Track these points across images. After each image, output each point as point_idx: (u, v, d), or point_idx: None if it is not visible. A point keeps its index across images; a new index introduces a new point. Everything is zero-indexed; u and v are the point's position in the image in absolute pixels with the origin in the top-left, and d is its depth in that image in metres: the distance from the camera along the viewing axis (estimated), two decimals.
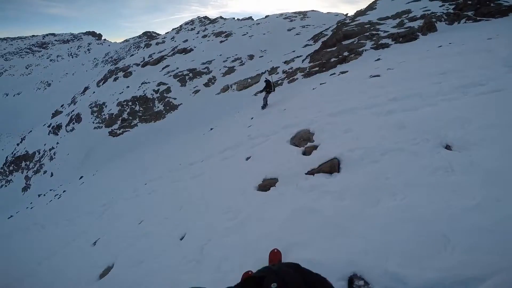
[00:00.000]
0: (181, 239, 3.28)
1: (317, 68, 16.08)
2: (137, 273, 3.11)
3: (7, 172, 29.21)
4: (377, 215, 2.16)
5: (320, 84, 9.25)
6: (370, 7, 21.53)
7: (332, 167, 3.11)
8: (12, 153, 31.56)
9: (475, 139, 2.63)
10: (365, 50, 14.29)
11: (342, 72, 10.52)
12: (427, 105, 3.77)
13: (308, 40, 26.09)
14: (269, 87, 9.95)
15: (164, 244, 3.35)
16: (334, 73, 11.68)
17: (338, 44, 17.24)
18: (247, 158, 4.72)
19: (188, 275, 2.58)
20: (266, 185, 3.47)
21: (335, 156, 3.23)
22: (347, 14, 34.29)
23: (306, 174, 3.25)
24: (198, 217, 3.59)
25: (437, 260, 1.63)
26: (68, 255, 5.03)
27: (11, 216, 14.80)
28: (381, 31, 16.00)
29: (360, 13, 21.99)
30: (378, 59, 10.46)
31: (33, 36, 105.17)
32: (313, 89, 8.80)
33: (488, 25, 11.96)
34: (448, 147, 2.74)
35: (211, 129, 11.43)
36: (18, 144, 33.77)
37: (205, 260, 2.66)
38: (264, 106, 9.95)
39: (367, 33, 16.27)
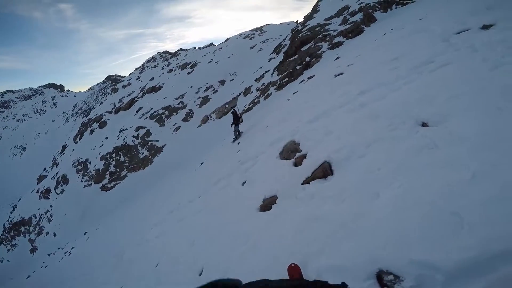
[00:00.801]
0: (200, 275, 3.29)
1: (286, 79, 16.69)
2: None
3: (9, 238, 28.77)
4: (381, 207, 2.15)
5: (293, 93, 9.51)
6: (315, 10, 22.47)
7: (324, 171, 3.17)
8: (8, 220, 30.88)
9: (446, 111, 2.72)
10: (323, 52, 15.05)
11: (310, 78, 10.84)
12: (392, 90, 3.99)
13: (271, 53, 27.06)
14: (237, 119, 10.20)
15: (185, 283, 3.35)
16: (303, 80, 12.01)
17: (298, 51, 17.88)
18: (243, 183, 4.78)
19: None
20: (267, 204, 3.53)
21: (324, 159, 3.28)
22: (297, 21, 35.95)
23: (302, 184, 3.32)
24: (211, 248, 3.61)
25: (459, 240, 1.57)
26: None
27: (29, 276, 15.07)
28: (331, 30, 16.76)
29: (307, 17, 22.69)
30: (337, 58, 10.90)
31: None
32: (288, 100, 9.05)
33: (414, 6, 12.91)
34: (424, 125, 2.82)
35: (202, 163, 11.42)
36: (11, 212, 32.97)
37: None
38: (236, 137, 10.08)
39: (320, 35, 17.08)
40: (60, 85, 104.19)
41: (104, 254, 8.30)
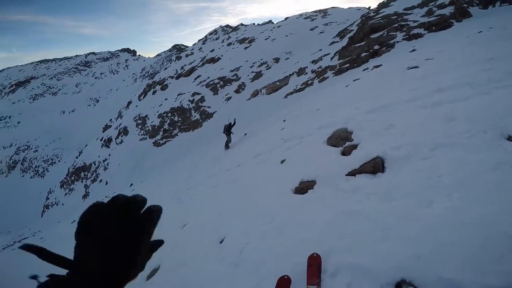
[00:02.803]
0: (220, 242, 3.34)
1: (348, 65, 15.51)
2: (180, 274, 3.22)
3: (69, 182, 33.48)
4: (431, 217, 1.96)
5: (354, 80, 8.87)
6: None
7: (375, 166, 2.90)
8: (72, 165, 35.92)
9: None
10: (397, 42, 13.56)
11: (376, 66, 10.01)
12: (479, 93, 3.42)
13: (334, 37, 25.34)
14: (228, 130, 10.91)
15: (206, 247, 3.44)
16: (367, 68, 11.15)
17: (366, 38, 16.56)
18: (282, 161, 4.65)
19: (227, 278, 2.60)
20: (303, 187, 3.36)
21: (378, 154, 3.02)
22: (370, 7, 32.54)
23: (346, 175, 3.08)
24: (236, 221, 3.62)
25: (500, 264, 1.44)
26: None
27: (74, 220, 16.54)
28: (410, 21, 15.12)
29: (383, 5, 21.17)
30: (413, 50, 9.86)
31: (76, 56, 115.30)
32: (347, 86, 8.47)
33: None
34: (510, 138, 2.42)
35: (245, 134, 11.62)
36: (76, 157, 38.31)
37: (243, 264, 2.67)
38: (227, 147, 10.77)
39: (396, 25, 15.48)
40: (133, 50, 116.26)
41: None
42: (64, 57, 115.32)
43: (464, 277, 1.46)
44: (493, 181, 2.01)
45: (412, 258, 1.71)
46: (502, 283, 1.36)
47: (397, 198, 2.33)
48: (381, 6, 21.41)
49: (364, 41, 16.42)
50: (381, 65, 9.86)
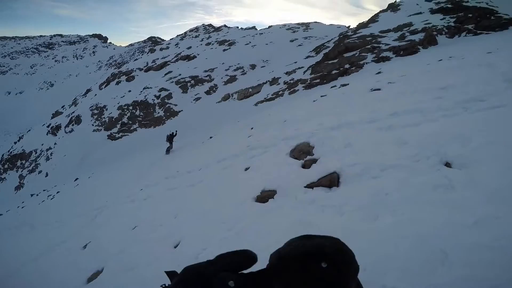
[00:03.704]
0: (175, 247, 3.22)
1: (318, 80, 16.29)
2: (127, 279, 3.03)
3: (1, 170, 29.08)
4: (376, 230, 2.14)
5: (321, 96, 9.27)
6: (372, 20, 21.92)
7: (331, 181, 3.09)
8: (8, 151, 31.47)
9: (475, 157, 2.62)
10: (366, 63, 14.47)
11: (343, 85, 10.52)
12: (428, 120, 3.77)
13: (310, 51, 26.46)
14: (170, 139, 13.14)
15: (158, 251, 3.29)
16: (335, 86, 11.71)
17: (340, 56, 17.48)
18: (246, 169, 4.68)
19: None
20: (265, 196, 3.43)
21: (335, 170, 3.21)
22: (349, 26, 34.74)
23: (305, 187, 3.22)
24: (194, 225, 3.53)
25: (434, 276, 1.62)
26: (57, 257, 4.93)
27: (0, 214, 14.62)
28: (382, 43, 16.24)
29: (362, 25, 22.32)
30: (379, 72, 10.46)
31: (40, 36, 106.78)
32: (314, 101, 8.82)
33: (488, 38, 12.09)
34: (448, 165, 2.73)
35: (211, 137, 11.40)
36: (15, 143, 33.66)
37: None
38: (168, 152, 12.62)
39: (369, 46, 16.53)
40: (105, 37, 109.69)
41: (86, 205, 8.20)
42: (25, 36, 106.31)
43: (403, 287, 1.60)
44: (431, 201, 2.26)
45: (359, 269, 1.82)
46: None
47: (348, 212, 2.51)
48: (360, 26, 22.53)
49: (337, 58, 17.24)
50: (348, 84, 10.36)
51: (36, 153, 27.40)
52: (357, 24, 24.75)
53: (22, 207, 14.74)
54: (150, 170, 9.94)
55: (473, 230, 1.82)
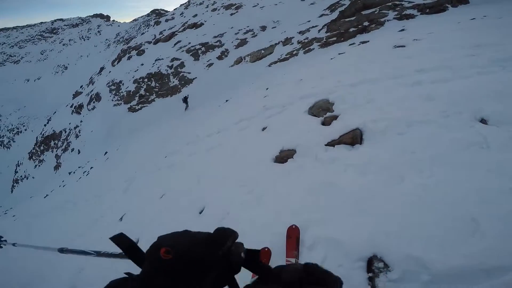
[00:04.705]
0: (200, 213, 3.30)
1: (334, 38, 15.18)
2: None
3: (39, 152, 31.38)
4: (402, 193, 2.01)
5: (339, 54, 8.72)
6: None
7: (354, 138, 2.92)
8: (40, 133, 33.50)
9: None
10: (388, 21, 13.23)
11: (363, 42, 9.84)
12: (459, 77, 3.48)
13: (324, 9, 24.35)
14: (185, 101, 17.16)
15: (185, 218, 3.39)
16: (354, 43, 10.94)
17: (357, 14, 16.09)
18: (263, 129, 4.57)
19: None
20: (284, 156, 3.34)
21: (357, 126, 3.04)
22: None
23: (325, 145, 3.09)
24: (216, 190, 3.57)
25: (464, 246, 1.52)
26: (99, 231, 5.18)
27: (46, 195, 15.81)
28: (405, 1, 14.69)
29: None
30: (402, 30, 9.67)
31: (41, 23, 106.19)
32: (331, 59, 8.32)
33: None
34: (483, 121, 2.49)
35: (227, 100, 11.29)
36: (45, 125, 35.62)
37: None
38: (186, 109, 15.68)
39: (389, 3, 15.06)
40: (107, 15, 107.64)
41: (117, 178, 8.55)
42: (27, 25, 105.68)
43: (430, 256, 1.53)
44: (463, 161, 2.08)
45: (383, 234, 1.77)
46: (461, 265, 1.44)
47: (372, 172, 2.38)
48: None
49: (355, 16, 15.94)
50: (368, 41, 9.68)
51: (65, 132, 28.95)
52: None
53: (63, 186, 15.82)
54: (172, 137, 10.09)
55: (509, 197, 1.66)
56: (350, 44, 11.21)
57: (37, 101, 68.08)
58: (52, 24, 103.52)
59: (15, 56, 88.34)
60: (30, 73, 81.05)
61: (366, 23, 14.18)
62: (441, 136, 2.43)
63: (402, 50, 5.86)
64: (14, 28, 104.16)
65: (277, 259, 2.03)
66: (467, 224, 1.61)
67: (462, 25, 6.95)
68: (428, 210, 1.79)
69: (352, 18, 15.97)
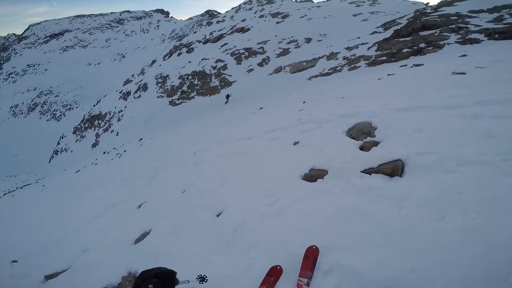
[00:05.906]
0: (217, 216, 3.24)
1: (384, 58, 14.53)
2: (168, 243, 3.11)
3: (82, 129, 34.58)
4: (438, 232, 1.85)
5: (388, 75, 8.25)
6: None
7: (394, 169, 2.68)
8: (88, 112, 36.90)
9: None
10: (448, 44, 12.32)
11: (416, 65, 9.26)
12: None
13: (377, 27, 23.58)
14: (227, 98, 18.32)
15: (201, 218, 3.33)
16: (406, 65, 10.35)
17: (414, 34, 15.28)
18: (295, 143, 4.42)
19: (218, 255, 2.51)
20: (313, 175, 3.18)
21: (400, 157, 2.79)
22: (428, 3, 29.70)
23: (361, 172, 2.88)
24: (237, 196, 3.49)
25: None
26: (116, 215, 5.31)
27: (78, 170, 16.72)
28: (471, 24, 13.60)
29: (445, 3, 19.23)
30: (464, 55, 8.93)
31: (112, 13, 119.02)
32: (379, 79, 7.90)
33: None
34: None
35: (261, 108, 11.30)
36: (94, 105, 39.31)
37: (236, 243, 2.57)
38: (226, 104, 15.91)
39: (453, 25, 14.03)
40: (167, 11, 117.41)
41: (146, 165, 8.72)
42: (99, 14, 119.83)
43: None
44: None
45: (407, 270, 1.66)
46: None
47: (409, 207, 2.18)
48: (442, 4, 19.52)
49: (411, 36, 15.19)
50: (422, 64, 9.10)
51: (110, 114, 31.58)
52: (439, 1, 20.97)
53: (96, 164, 16.41)
54: (204, 135, 10.24)
55: None
56: (401, 66, 10.64)
57: (93, 83, 75.51)
58: (120, 15, 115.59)
59: (84, 41, 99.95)
60: (92, 58, 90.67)
61: (422, 45, 13.37)
62: (496, 181, 2.14)
63: (462, 78, 5.37)
64: (89, 15, 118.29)
65: (288, 280, 1.96)
66: (503, 269, 1.47)
67: None
68: (464, 252, 1.64)
69: (408, 38, 15.21)
